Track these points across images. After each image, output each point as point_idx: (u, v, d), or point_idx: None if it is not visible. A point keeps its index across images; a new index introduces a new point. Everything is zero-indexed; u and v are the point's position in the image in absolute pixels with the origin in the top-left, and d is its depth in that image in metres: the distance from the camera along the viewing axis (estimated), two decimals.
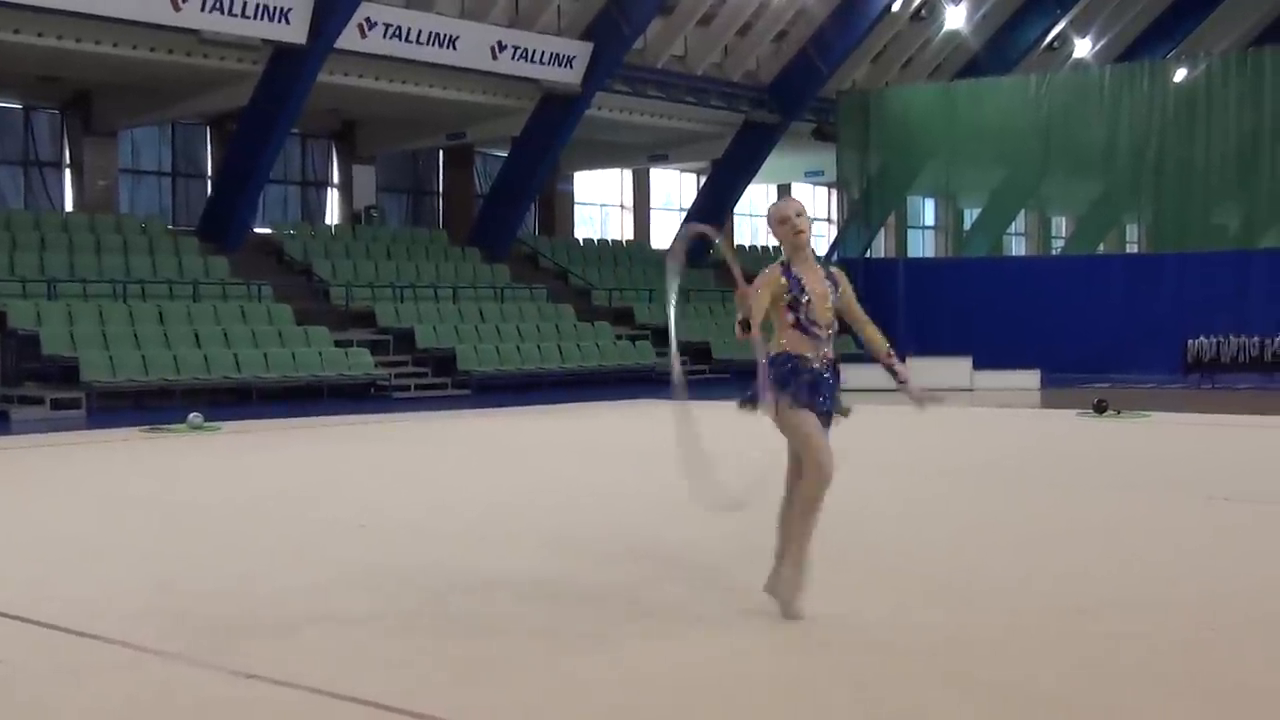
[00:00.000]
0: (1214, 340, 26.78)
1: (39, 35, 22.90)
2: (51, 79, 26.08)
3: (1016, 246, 44.74)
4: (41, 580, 7.35)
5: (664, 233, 38.91)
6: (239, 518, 9.62)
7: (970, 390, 25.02)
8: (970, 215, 39.78)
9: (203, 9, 23.74)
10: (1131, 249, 39.11)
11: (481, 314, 27.94)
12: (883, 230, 38.36)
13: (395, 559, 7.88)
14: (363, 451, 14.96)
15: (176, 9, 23.46)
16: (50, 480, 12.46)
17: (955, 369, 25.71)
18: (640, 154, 36.63)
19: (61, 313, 22.17)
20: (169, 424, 16.97)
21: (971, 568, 7.58)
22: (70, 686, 5.28)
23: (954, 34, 37.90)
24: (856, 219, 36.26)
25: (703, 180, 38.09)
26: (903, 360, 6.94)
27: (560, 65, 29.38)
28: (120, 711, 4.93)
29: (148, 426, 17.00)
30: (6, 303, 22.04)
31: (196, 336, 22.81)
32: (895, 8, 35.39)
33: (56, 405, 20.08)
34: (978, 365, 25.73)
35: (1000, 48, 39.23)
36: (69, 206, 27.82)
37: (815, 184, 43.54)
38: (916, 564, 7.65)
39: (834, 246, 39.65)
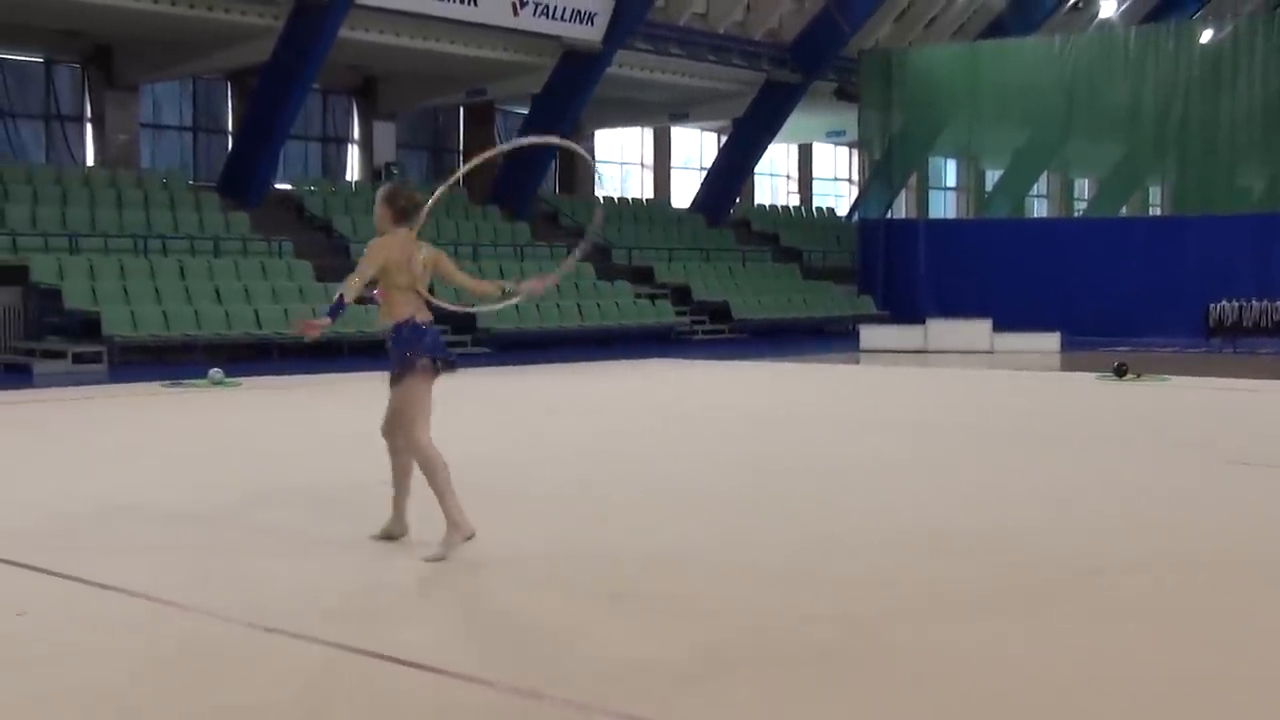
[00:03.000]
0: (1236, 304, 26.68)
1: None
2: (73, 33, 26.06)
3: (1039, 208, 44.54)
4: (63, 532, 7.41)
5: (684, 191, 38.86)
6: (265, 470, 9.67)
7: (990, 352, 24.98)
8: (992, 176, 39.57)
9: None
10: (1155, 211, 38.90)
11: (502, 271, 27.87)
12: (904, 191, 38.22)
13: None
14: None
15: None
16: (71, 433, 12.54)
17: (976, 331, 25.68)
18: (661, 112, 36.50)
19: (83, 267, 22.25)
20: (190, 379, 17.04)
21: (984, 526, 7.58)
22: (93, 637, 5.33)
23: None
24: (878, 179, 36.09)
25: (723, 139, 37.95)
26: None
27: (582, 22, 29.25)
28: (142, 663, 4.98)
29: (169, 381, 17.08)
30: (29, 257, 22.12)
31: (217, 292, 22.86)
32: None
33: (78, 359, 20.17)
34: (998, 327, 25.67)
35: (1025, 8, 38.94)
36: (90, 161, 27.87)
37: (837, 144, 43.39)
38: (927, 519, 7.66)
39: (855, 207, 39.56)
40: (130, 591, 5.96)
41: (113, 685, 4.68)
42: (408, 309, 6.83)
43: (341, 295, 6.78)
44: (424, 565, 6.52)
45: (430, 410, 6.86)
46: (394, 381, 6.86)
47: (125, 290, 21.98)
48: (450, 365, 6.95)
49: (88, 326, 20.97)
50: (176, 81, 29.33)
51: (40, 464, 10.27)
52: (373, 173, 32.01)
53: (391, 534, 7.04)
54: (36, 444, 11.70)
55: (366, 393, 16.83)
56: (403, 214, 6.90)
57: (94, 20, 24.98)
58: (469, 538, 6.64)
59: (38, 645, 5.19)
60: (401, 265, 6.78)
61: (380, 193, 7.03)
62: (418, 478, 6.90)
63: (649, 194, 38.69)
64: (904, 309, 30.91)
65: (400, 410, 6.87)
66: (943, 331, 25.97)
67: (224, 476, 9.38)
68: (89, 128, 28.12)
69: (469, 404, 15.39)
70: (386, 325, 6.90)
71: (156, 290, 22.25)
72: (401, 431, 6.85)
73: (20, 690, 4.63)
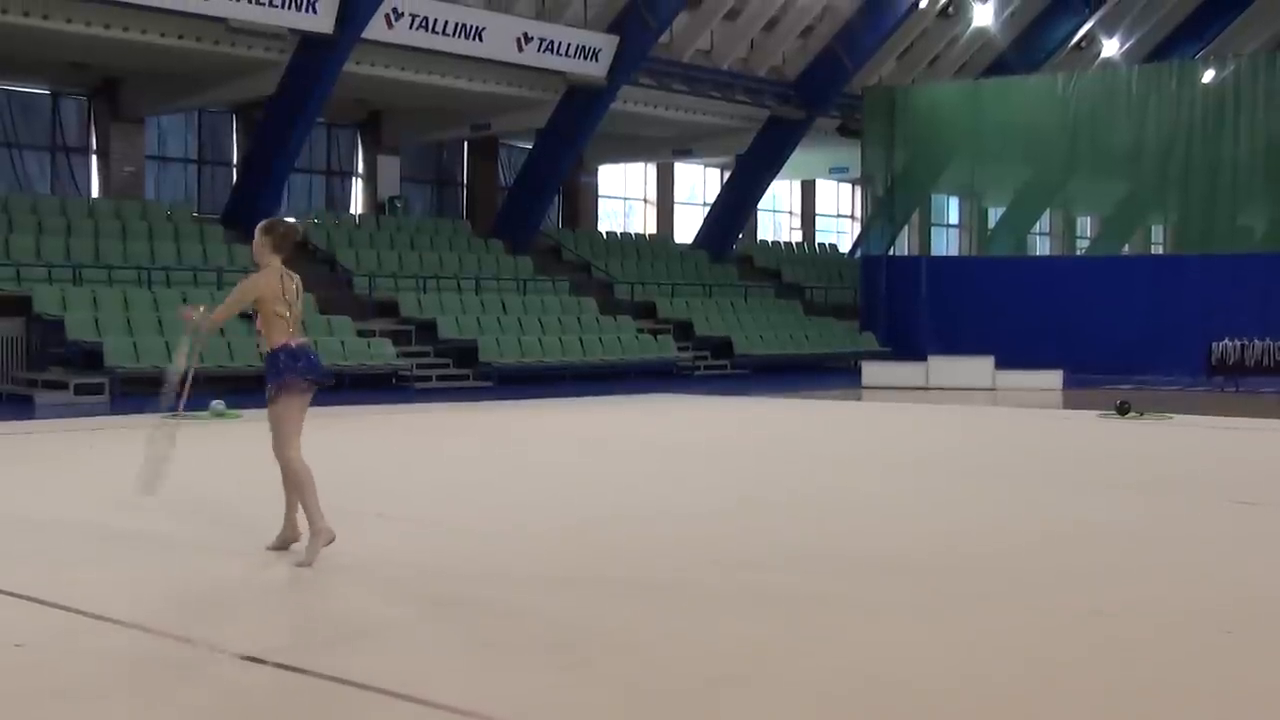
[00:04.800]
0: (1238, 343, 26.63)
1: (68, 21, 23.01)
2: (80, 65, 26.18)
3: (1041, 246, 44.59)
4: (60, 563, 7.39)
5: (687, 227, 38.91)
6: (255, 505, 9.64)
7: (993, 389, 24.96)
8: (995, 214, 39.65)
9: None
10: (1157, 250, 38.94)
11: (504, 305, 27.97)
12: (906, 228, 38.27)
13: (411, 549, 7.90)
14: (382, 441, 15.00)
15: None
16: (70, 464, 12.52)
17: (978, 368, 25.65)
18: (664, 148, 36.63)
19: (86, 298, 22.27)
20: (191, 411, 17.00)
21: (990, 568, 7.54)
22: (88, 668, 5.30)
23: (981, 32, 37.78)
24: (881, 216, 36.16)
25: (727, 175, 38.06)
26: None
27: (586, 58, 29.38)
28: (138, 695, 4.95)
29: (168, 413, 17.03)
30: (32, 288, 22.14)
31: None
32: (923, 4, 35.36)
33: (80, 390, 20.17)
34: (1000, 364, 25.65)
35: (1028, 46, 39.07)
36: (95, 193, 27.94)
37: (840, 180, 43.49)
38: (934, 561, 7.63)
39: (857, 243, 39.62)
40: (124, 623, 5.94)
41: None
42: (282, 336, 7.35)
43: (203, 313, 7.60)
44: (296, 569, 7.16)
45: (300, 427, 7.49)
46: (269, 402, 7.47)
47: (128, 321, 21.99)
48: (320, 383, 7.56)
49: (90, 358, 20.97)
50: (182, 114, 29.44)
51: (37, 494, 10.24)
52: (377, 206, 32.08)
53: (286, 541, 7.65)
54: (34, 474, 11.68)
55: (365, 425, 16.87)
56: (280, 244, 7.44)
57: (101, 53, 25.10)
58: (329, 542, 7.33)
59: (36, 678, 5.17)
60: (276, 296, 7.33)
61: (261, 224, 7.57)
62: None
63: (652, 229, 38.77)
64: (906, 346, 30.91)
65: (274, 428, 7.48)
66: (944, 368, 25.95)
67: (220, 511, 9.35)
68: (94, 159, 28.20)
69: (457, 436, 15.40)
70: (264, 352, 7.47)
71: (160, 322, 22.26)
72: (274, 447, 7.47)
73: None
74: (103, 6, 22.86)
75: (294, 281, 7.44)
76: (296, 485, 7.42)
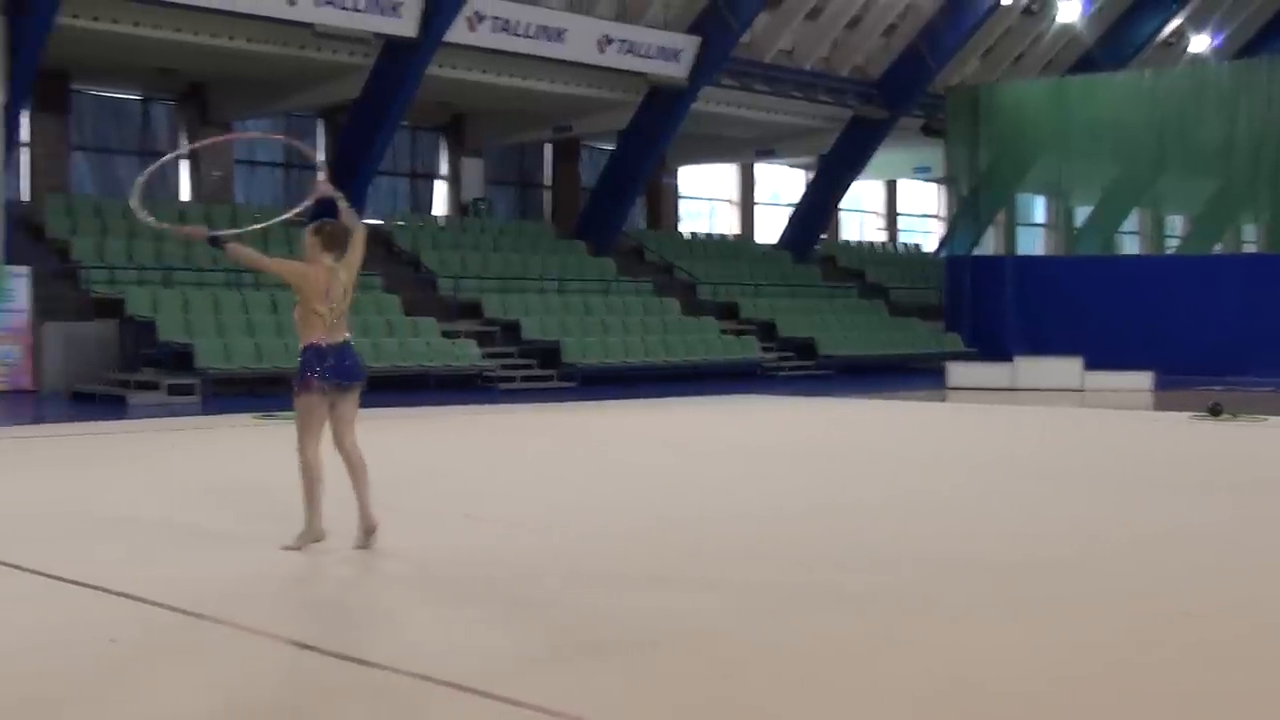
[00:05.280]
0: None
1: (157, 28, 23.41)
2: (169, 71, 26.62)
3: (1129, 245, 43.94)
4: (151, 560, 7.51)
5: (770, 228, 38.83)
6: (338, 505, 9.74)
7: (1081, 391, 24.65)
8: (1082, 213, 39.12)
9: (316, 3, 24.11)
10: (1249, 249, 38.23)
11: (587, 307, 28.06)
12: (991, 227, 37.88)
13: (495, 548, 7.95)
14: (467, 441, 15.11)
15: (291, 3, 23.85)
16: (161, 464, 12.73)
17: (1065, 369, 25.35)
18: (747, 148, 36.57)
19: (177, 300, 22.64)
20: (279, 411, 17.23)
21: (1077, 569, 7.45)
22: (179, 665, 5.39)
23: (1067, 29, 37.34)
24: (965, 216, 35.83)
25: (810, 175, 37.91)
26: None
27: (667, 59, 29.40)
28: (225, 690, 5.02)
29: (259, 414, 17.29)
30: (125, 290, 22.57)
31: None
32: (1006, 2, 34.98)
33: (172, 391, 20.49)
34: (1089, 365, 25.33)
35: (1115, 43, 38.55)
36: (186, 196, 28.40)
37: (923, 180, 43.16)
38: (1020, 562, 7.55)
39: (942, 243, 39.28)
40: (214, 619, 6.03)
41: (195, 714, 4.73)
42: (314, 333, 7.49)
43: (226, 237, 7.88)
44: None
45: (320, 425, 7.56)
46: (294, 397, 7.58)
47: (218, 323, 22.32)
48: (344, 385, 7.55)
49: (181, 359, 21.30)
50: (269, 118, 29.83)
51: (129, 494, 10.42)
52: (460, 208, 32.32)
53: (366, 533, 7.66)
54: (124, 474, 11.90)
55: (450, 426, 16.99)
56: (329, 243, 7.55)
57: (189, 59, 25.50)
58: (318, 540, 7.55)
59: (128, 672, 5.26)
60: (318, 293, 7.44)
61: (309, 226, 7.74)
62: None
63: (734, 230, 38.72)
64: (992, 346, 30.59)
65: (296, 422, 7.60)
66: (1031, 369, 25.66)
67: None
68: (184, 164, 28.66)
69: (540, 436, 15.47)
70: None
71: (249, 323, 22.57)
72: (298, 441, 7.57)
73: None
74: (191, 13, 23.23)
75: (340, 282, 7.52)
76: (305, 481, 7.57)
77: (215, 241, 7.97)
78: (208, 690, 5.03)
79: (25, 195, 25.57)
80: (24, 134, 25.53)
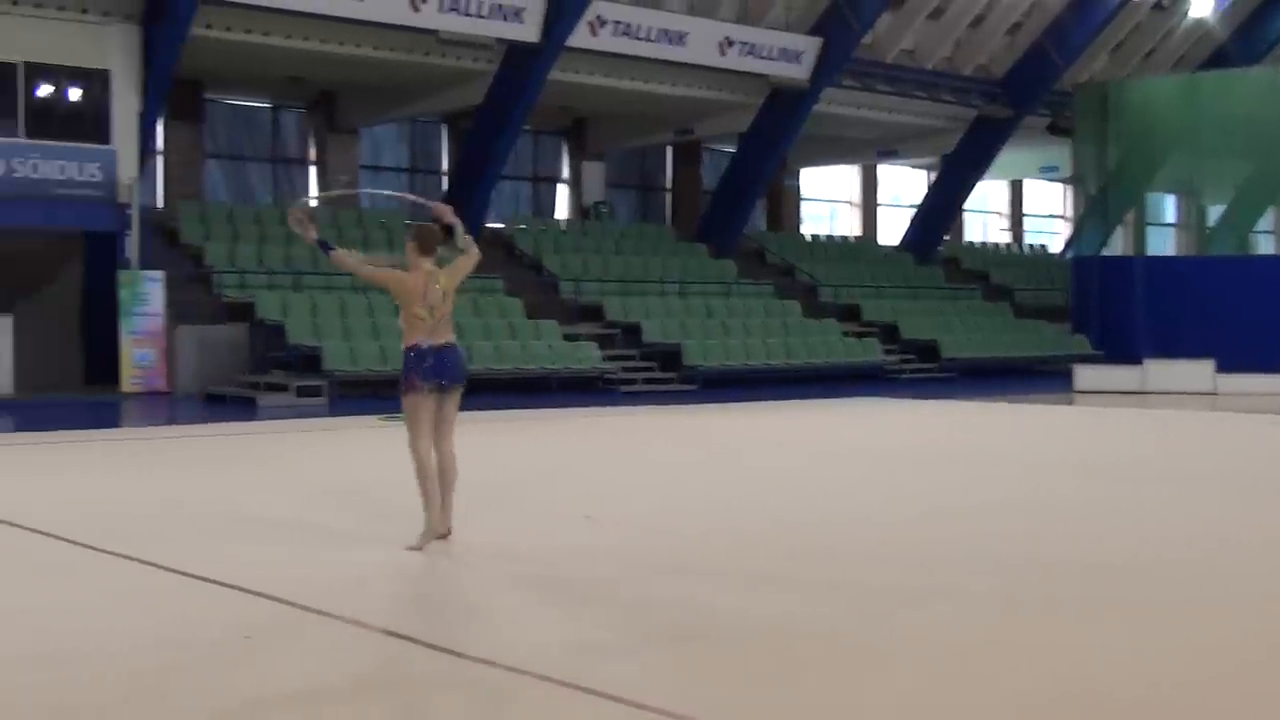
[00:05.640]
0: None
1: (287, 37, 23.89)
2: (298, 79, 27.15)
3: (1265, 245, 42.81)
4: (282, 558, 7.67)
5: (892, 229, 38.52)
6: (467, 504, 9.86)
7: (1213, 394, 24.08)
8: (1214, 212, 38.24)
9: (440, 9, 24.43)
10: None
11: (708, 309, 28.06)
12: (1120, 227, 37.16)
13: (614, 549, 7.99)
14: (589, 443, 15.19)
15: (415, 10, 24.19)
16: (291, 465, 12.99)
17: (1197, 372, 24.80)
18: (868, 149, 36.30)
19: (306, 304, 23.08)
20: (403, 413, 17.46)
21: (1202, 574, 7.29)
22: (309, 660, 5.50)
23: (1199, 24, 36.49)
24: (1093, 216, 35.17)
25: (932, 176, 37.52)
26: None
27: (788, 61, 29.31)
28: (350, 683, 5.12)
29: (384, 415, 17.55)
30: (255, 294, 23.07)
31: None
32: None
33: (301, 393, 20.88)
34: (1221, 368, 24.74)
35: (1248, 38, 37.61)
36: (313, 201, 28.92)
37: (1050, 179, 42.47)
38: (1145, 566, 7.41)
39: (1069, 244, 38.64)
40: (343, 618, 6.14)
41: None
42: (416, 335, 7.79)
43: (333, 248, 8.19)
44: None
45: (428, 424, 7.85)
46: (401, 396, 7.93)
47: (344, 326, 22.70)
48: (444, 385, 7.81)
49: (309, 361, 21.71)
50: (394, 124, 30.29)
51: (265, 494, 10.65)
52: (582, 211, 32.51)
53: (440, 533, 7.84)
54: (256, 474, 12.16)
55: (572, 428, 17.10)
56: (423, 247, 7.81)
57: (318, 67, 25.98)
58: (440, 537, 7.75)
59: (256, 663, 5.38)
60: (417, 297, 7.71)
61: (407, 233, 8.06)
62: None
63: (856, 232, 38.46)
64: (1120, 349, 29.98)
65: (405, 422, 7.92)
66: (1162, 372, 25.14)
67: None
68: (312, 170, 29.24)
69: (661, 439, 15.49)
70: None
71: (374, 326, 22.93)
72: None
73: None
74: (320, 22, 23.67)
75: (438, 286, 7.74)
76: (419, 479, 7.79)
77: (324, 247, 8.20)
78: (322, 679, 5.13)
79: (160, 202, 26.26)
80: (159, 142, 26.23)
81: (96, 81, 22.20)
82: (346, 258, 8.14)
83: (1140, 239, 37.76)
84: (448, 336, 7.83)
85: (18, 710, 4.80)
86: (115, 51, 22.20)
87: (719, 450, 14.39)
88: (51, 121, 21.99)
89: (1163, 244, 43.11)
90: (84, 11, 21.89)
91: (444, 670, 5.38)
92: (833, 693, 5.04)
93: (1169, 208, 44.08)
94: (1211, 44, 37.71)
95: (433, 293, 7.72)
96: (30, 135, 21.59)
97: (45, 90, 22.11)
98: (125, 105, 22.36)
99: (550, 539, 8.33)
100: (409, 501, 8.13)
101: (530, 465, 12.43)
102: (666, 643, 5.77)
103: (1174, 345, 27.61)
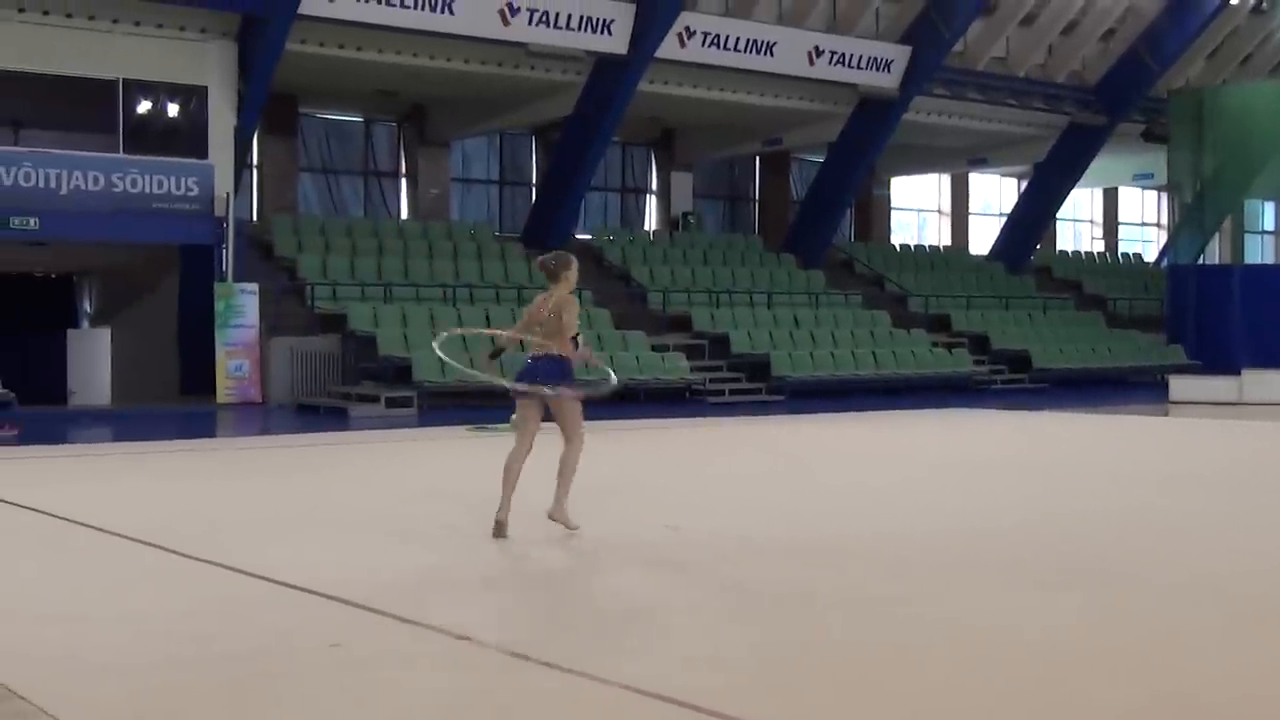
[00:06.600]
0: None
1: (379, 52, 24.20)
2: (389, 93, 27.47)
3: None
4: (370, 567, 7.75)
5: (983, 238, 38.17)
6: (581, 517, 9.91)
7: None
8: None
9: (530, 23, 24.62)
10: None
11: (796, 320, 27.98)
12: (1217, 235, 36.56)
13: (696, 559, 7.99)
14: (676, 454, 15.20)
15: (505, 24, 24.40)
16: (381, 474, 13.13)
17: None
18: (959, 158, 36.00)
19: (396, 315, 23.32)
20: (491, 423, 17.60)
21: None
22: (399, 671, 5.55)
23: None
24: (1189, 224, 34.63)
25: (1024, 184, 37.14)
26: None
27: (878, 69, 29.16)
28: (443, 698, 5.16)
29: (472, 426, 17.69)
30: (347, 306, 23.35)
31: (521, 342, 23.52)
32: (1234, 1, 33.74)
33: (391, 404, 21.10)
34: None
35: None
36: (404, 214, 29.27)
37: (1144, 187, 41.88)
38: (1242, 581, 7.28)
39: (1164, 252, 38.08)
40: (434, 627, 6.19)
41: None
42: (532, 350, 8.78)
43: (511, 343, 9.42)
44: None
45: (529, 429, 8.87)
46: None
47: (433, 337, 22.86)
48: (535, 386, 8.52)
49: (400, 372, 21.93)
50: (484, 137, 30.55)
51: (351, 501, 10.77)
52: (670, 222, 32.56)
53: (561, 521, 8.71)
54: (347, 483, 12.30)
55: (660, 439, 17.12)
56: (547, 275, 8.79)
57: (409, 81, 26.28)
58: (497, 535, 8.46)
59: (343, 674, 5.45)
60: (536, 319, 8.75)
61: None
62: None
63: (946, 241, 38.15)
64: (1217, 359, 29.49)
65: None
66: (1260, 383, 24.67)
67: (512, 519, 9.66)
68: (403, 183, 29.58)
69: (749, 449, 15.46)
70: None
71: (464, 338, 23.02)
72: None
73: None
74: (411, 37, 23.94)
75: (547, 307, 8.67)
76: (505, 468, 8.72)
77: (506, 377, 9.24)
78: (418, 696, 5.18)
79: (255, 215, 26.68)
80: (254, 156, 26.66)
81: (194, 97, 22.63)
82: (509, 342, 9.42)
83: (1237, 247, 37.18)
84: (552, 349, 8.63)
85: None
86: (212, 68, 22.63)
87: (805, 461, 14.33)
88: (150, 137, 22.44)
89: (1260, 252, 42.37)
90: (182, 29, 22.32)
91: (554, 687, 5.41)
92: (914, 710, 5.00)
93: (1267, 215, 43.28)
94: None
95: (541, 313, 8.70)
96: (129, 150, 22.05)
97: (144, 106, 22.57)
98: (221, 120, 22.76)
99: (635, 549, 8.34)
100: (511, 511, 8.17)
101: (616, 475, 12.44)
102: (758, 659, 5.75)
103: (1274, 356, 27.11)
